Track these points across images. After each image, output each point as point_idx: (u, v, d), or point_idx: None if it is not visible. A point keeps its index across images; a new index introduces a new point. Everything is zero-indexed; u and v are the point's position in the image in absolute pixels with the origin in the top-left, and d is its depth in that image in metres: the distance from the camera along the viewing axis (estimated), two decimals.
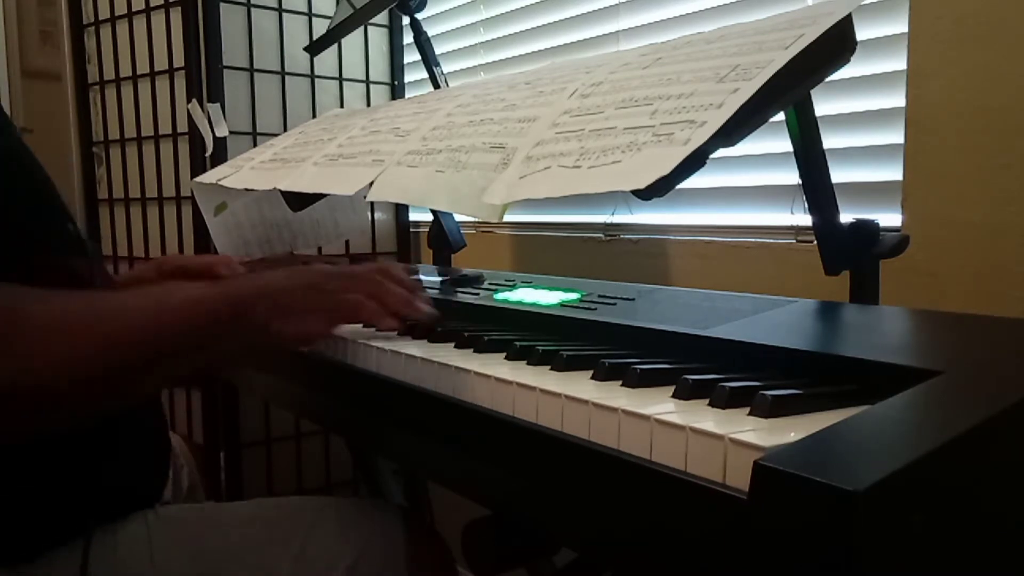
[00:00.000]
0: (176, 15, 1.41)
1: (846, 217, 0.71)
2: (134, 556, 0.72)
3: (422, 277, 1.01)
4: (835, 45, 0.61)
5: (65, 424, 0.59)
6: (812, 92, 0.66)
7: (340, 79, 1.56)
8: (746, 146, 0.97)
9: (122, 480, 0.75)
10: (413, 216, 1.68)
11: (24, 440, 0.60)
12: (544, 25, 1.36)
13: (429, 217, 1.34)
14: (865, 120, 0.94)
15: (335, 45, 1.45)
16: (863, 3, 0.75)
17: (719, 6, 1.08)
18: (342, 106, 1.56)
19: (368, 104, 1.60)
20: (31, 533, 0.68)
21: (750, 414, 0.42)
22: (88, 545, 0.68)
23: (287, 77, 1.49)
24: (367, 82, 1.60)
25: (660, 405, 0.44)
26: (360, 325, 0.74)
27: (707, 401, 0.45)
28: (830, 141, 0.72)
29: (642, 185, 0.50)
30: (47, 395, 0.52)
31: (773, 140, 0.99)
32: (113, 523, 0.72)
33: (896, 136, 0.88)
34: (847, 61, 0.63)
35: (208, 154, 1.37)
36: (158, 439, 0.84)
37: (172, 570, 0.72)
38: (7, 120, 0.72)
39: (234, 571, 0.74)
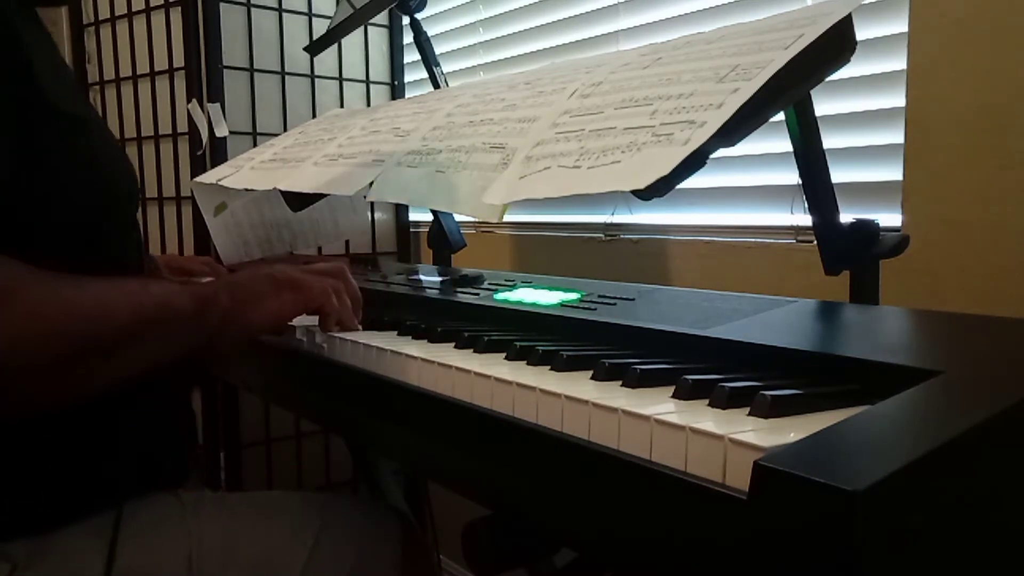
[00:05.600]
0: (176, 15, 1.41)
1: (846, 217, 0.71)
2: (164, 535, 0.72)
3: (422, 277, 1.01)
4: (835, 45, 0.61)
5: (41, 406, 0.60)
6: (812, 92, 0.66)
7: (340, 79, 1.56)
8: (746, 146, 0.96)
9: (150, 455, 0.76)
10: (413, 216, 1.68)
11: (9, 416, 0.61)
12: (543, 25, 1.36)
13: (429, 217, 1.34)
14: (865, 120, 0.94)
15: (335, 45, 1.45)
16: (863, 3, 0.75)
17: (718, 6, 1.08)
18: (342, 106, 1.56)
19: (368, 104, 1.60)
20: (56, 504, 0.68)
21: (750, 414, 0.42)
22: (118, 520, 0.68)
23: (287, 77, 1.49)
24: (367, 82, 1.60)
25: (660, 405, 0.44)
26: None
27: (707, 401, 0.45)
28: (830, 141, 0.72)
29: (642, 185, 0.50)
30: (28, 371, 0.54)
31: (773, 140, 0.99)
32: (142, 500, 0.72)
33: (896, 136, 0.88)
34: (847, 61, 0.63)
35: (200, 153, 1.37)
36: (184, 421, 0.85)
37: (202, 552, 0.73)
38: (90, 117, 0.72)
39: (248, 558, 0.75)
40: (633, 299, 0.72)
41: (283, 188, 0.93)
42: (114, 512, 0.69)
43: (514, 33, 1.42)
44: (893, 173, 0.89)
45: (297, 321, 0.76)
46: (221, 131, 1.37)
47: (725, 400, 0.44)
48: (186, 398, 0.87)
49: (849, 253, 0.71)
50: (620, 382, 0.50)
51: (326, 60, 1.53)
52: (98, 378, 0.60)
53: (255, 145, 1.39)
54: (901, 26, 0.87)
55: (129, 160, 0.77)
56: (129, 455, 0.73)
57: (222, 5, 1.39)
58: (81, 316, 0.57)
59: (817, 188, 0.70)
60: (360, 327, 0.75)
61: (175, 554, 0.71)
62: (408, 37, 1.59)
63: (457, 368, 0.56)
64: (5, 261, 0.54)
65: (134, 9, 1.49)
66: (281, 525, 0.79)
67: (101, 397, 0.62)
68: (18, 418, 0.62)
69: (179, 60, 1.41)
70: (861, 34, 0.63)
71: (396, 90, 1.64)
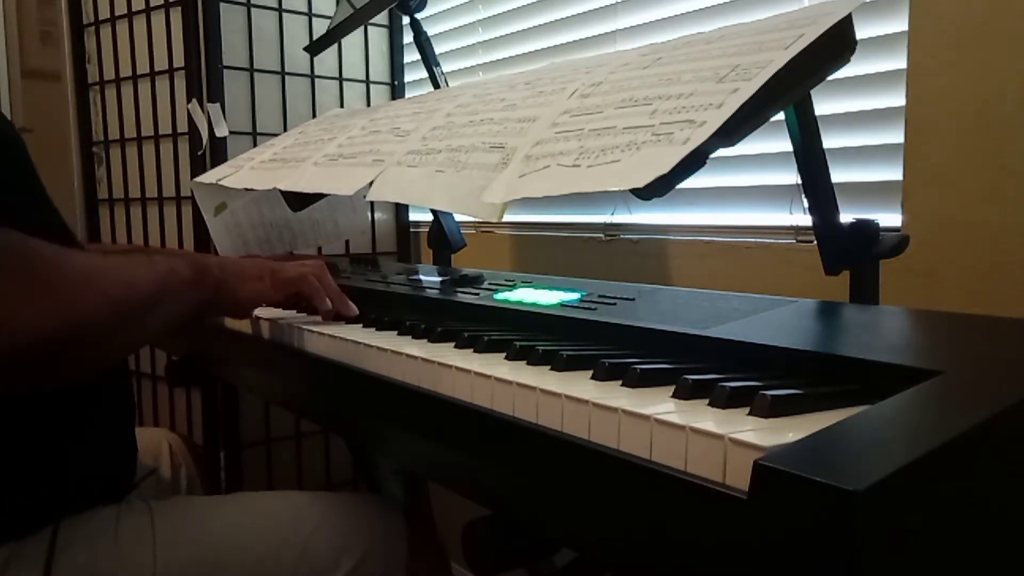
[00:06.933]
0: (176, 15, 1.41)
1: (846, 217, 0.71)
2: (124, 547, 0.71)
3: (422, 277, 1.01)
4: (835, 45, 0.61)
5: (79, 374, 0.64)
6: (812, 92, 0.66)
7: (340, 79, 1.56)
8: (746, 146, 0.96)
9: (88, 470, 0.75)
10: (413, 216, 1.68)
11: (46, 387, 0.65)
12: (542, 25, 1.36)
13: (429, 217, 1.34)
14: (865, 120, 0.94)
15: (335, 45, 1.44)
16: (863, 2, 0.74)
17: (717, 5, 1.08)
18: (342, 106, 1.56)
19: (368, 104, 1.60)
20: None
21: (750, 414, 0.42)
22: (55, 536, 0.68)
23: (287, 77, 1.49)
24: (367, 82, 1.60)
25: (660, 405, 0.44)
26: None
27: (707, 401, 0.45)
28: (830, 141, 0.72)
29: (641, 184, 0.50)
30: (79, 339, 0.58)
31: (773, 140, 0.99)
32: (82, 515, 0.72)
33: (896, 136, 0.88)
34: (847, 61, 0.63)
35: (200, 153, 1.37)
36: (124, 432, 0.84)
37: (173, 560, 0.72)
38: None
39: (237, 562, 0.74)
40: (633, 299, 0.72)
41: (283, 188, 0.93)
42: (50, 530, 0.69)
43: (513, 33, 1.42)
44: (893, 173, 0.89)
45: (299, 319, 0.77)
46: (221, 131, 1.37)
47: (725, 400, 0.44)
48: (129, 413, 0.86)
49: (849, 253, 0.71)
50: (620, 382, 0.50)
51: (326, 60, 1.53)
52: (128, 344, 0.66)
53: (255, 145, 1.39)
54: (901, 26, 0.87)
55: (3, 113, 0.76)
56: (66, 473, 0.73)
57: (222, 5, 1.39)
58: (121, 284, 0.62)
59: (817, 188, 0.70)
60: (356, 310, 0.80)
61: (134, 566, 0.71)
62: (408, 37, 1.59)
63: (457, 368, 0.56)
64: (38, 241, 0.57)
65: (134, 9, 1.49)
66: (268, 528, 0.77)
67: (46, 410, 0.67)
68: (59, 389, 0.66)
69: (179, 60, 1.41)
70: (861, 34, 0.63)
71: (396, 90, 1.64)
